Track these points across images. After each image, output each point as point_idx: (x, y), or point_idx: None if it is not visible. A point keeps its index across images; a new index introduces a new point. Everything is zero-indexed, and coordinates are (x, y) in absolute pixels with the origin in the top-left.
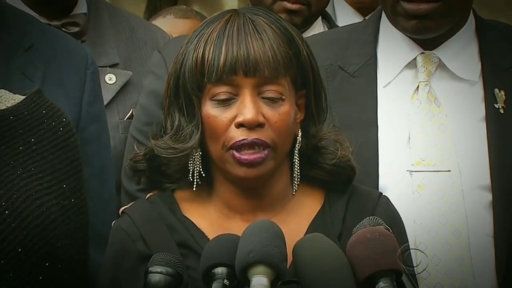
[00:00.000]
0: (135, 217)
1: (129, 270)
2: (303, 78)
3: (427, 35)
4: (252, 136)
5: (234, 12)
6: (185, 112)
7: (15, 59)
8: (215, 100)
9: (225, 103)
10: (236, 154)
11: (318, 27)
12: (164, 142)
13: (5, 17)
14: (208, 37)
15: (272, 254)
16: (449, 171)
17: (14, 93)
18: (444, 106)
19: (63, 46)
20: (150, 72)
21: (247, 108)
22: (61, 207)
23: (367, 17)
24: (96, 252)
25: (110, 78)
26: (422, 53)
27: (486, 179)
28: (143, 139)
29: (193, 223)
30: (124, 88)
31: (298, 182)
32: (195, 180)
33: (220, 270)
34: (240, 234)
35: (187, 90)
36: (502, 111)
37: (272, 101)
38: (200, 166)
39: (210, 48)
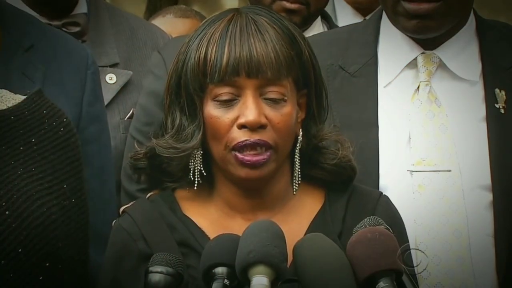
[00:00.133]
0: (135, 217)
1: (129, 270)
2: (305, 77)
3: (428, 34)
4: (254, 137)
5: (236, 12)
6: (187, 112)
7: (15, 59)
8: (217, 101)
9: (227, 103)
10: (239, 155)
11: (317, 27)
12: (165, 142)
13: (5, 17)
14: (211, 37)
15: (272, 254)
16: (449, 171)
17: (15, 93)
18: (444, 106)
19: (63, 46)
20: (150, 72)
21: (249, 109)
22: (61, 207)
23: (367, 17)
24: (96, 252)
25: (110, 78)
26: (422, 53)
27: (487, 179)
28: (142, 139)
29: (193, 222)
30: (124, 88)
31: (299, 182)
32: (196, 179)
33: (220, 270)
34: (240, 233)
35: (189, 89)
36: (502, 111)
37: (274, 102)
38: (201, 165)
39: (212, 49)
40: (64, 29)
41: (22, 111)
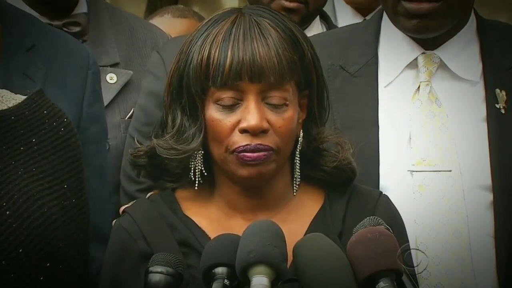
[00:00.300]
0: (136, 216)
1: (129, 270)
2: (307, 79)
3: (428, 34)
4: (255, 141)
5: (239, 13)
6: (188, 112)
7: (16, 59)
8: (220, 105)
9: (229, 107)
10: (240, 154)
11: (316, 27)
12: (166, 142)
13: (6, 17)
14: (214, 39)
15: (272, 254)
16: (450, 171)
17: (15, 93)
18: (445, 106)
19: (64, 46)
20: (149, 72)
21: (251, 114)
22: (62, 207)
23: (367, 17)
24: (97, 252)
25: (111, 78)
26: (423, 53)
27: (487, 179)
28: (142, 140)
29: (194, 222)
30: (125, 88)
31: (299, 183)
32: (196, 179)
33: (220, 270)
34: (240, 233)
35: (191, 91)
36: (503, 111)
37: (276, 106)
38: (202, 165)
39: (215, 52)
40: (64, 29)
41: (23, 111)
